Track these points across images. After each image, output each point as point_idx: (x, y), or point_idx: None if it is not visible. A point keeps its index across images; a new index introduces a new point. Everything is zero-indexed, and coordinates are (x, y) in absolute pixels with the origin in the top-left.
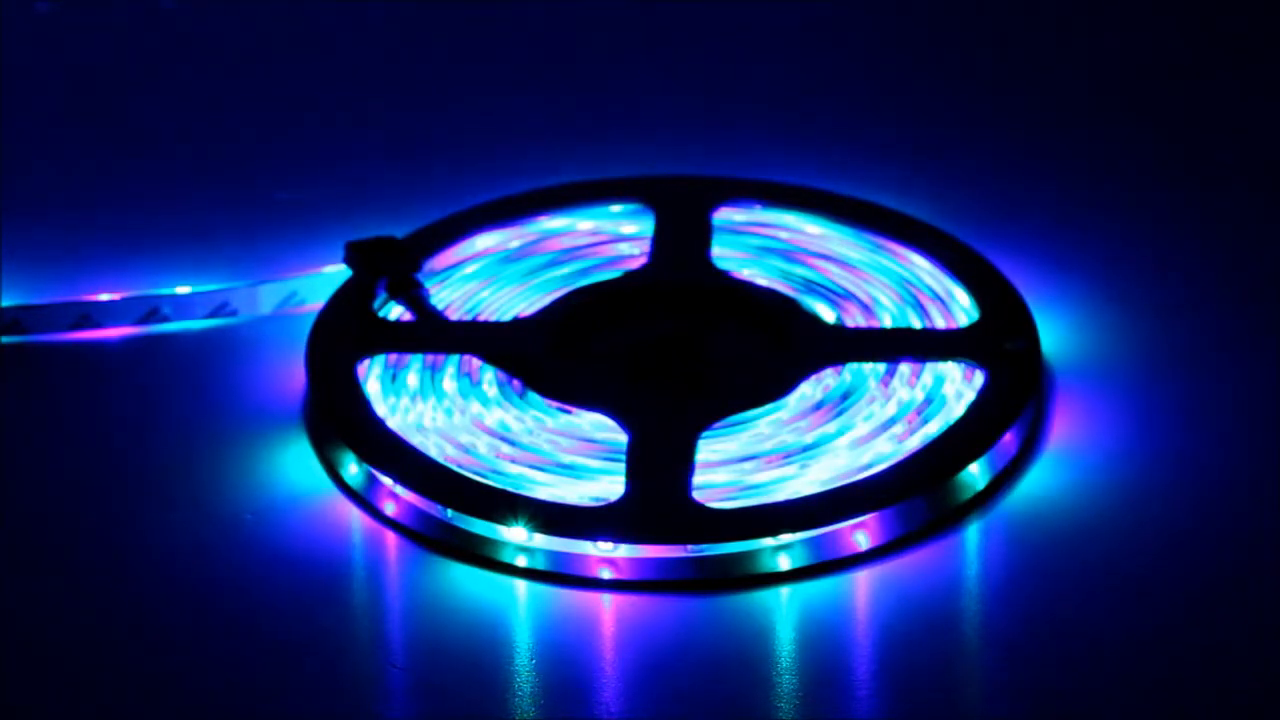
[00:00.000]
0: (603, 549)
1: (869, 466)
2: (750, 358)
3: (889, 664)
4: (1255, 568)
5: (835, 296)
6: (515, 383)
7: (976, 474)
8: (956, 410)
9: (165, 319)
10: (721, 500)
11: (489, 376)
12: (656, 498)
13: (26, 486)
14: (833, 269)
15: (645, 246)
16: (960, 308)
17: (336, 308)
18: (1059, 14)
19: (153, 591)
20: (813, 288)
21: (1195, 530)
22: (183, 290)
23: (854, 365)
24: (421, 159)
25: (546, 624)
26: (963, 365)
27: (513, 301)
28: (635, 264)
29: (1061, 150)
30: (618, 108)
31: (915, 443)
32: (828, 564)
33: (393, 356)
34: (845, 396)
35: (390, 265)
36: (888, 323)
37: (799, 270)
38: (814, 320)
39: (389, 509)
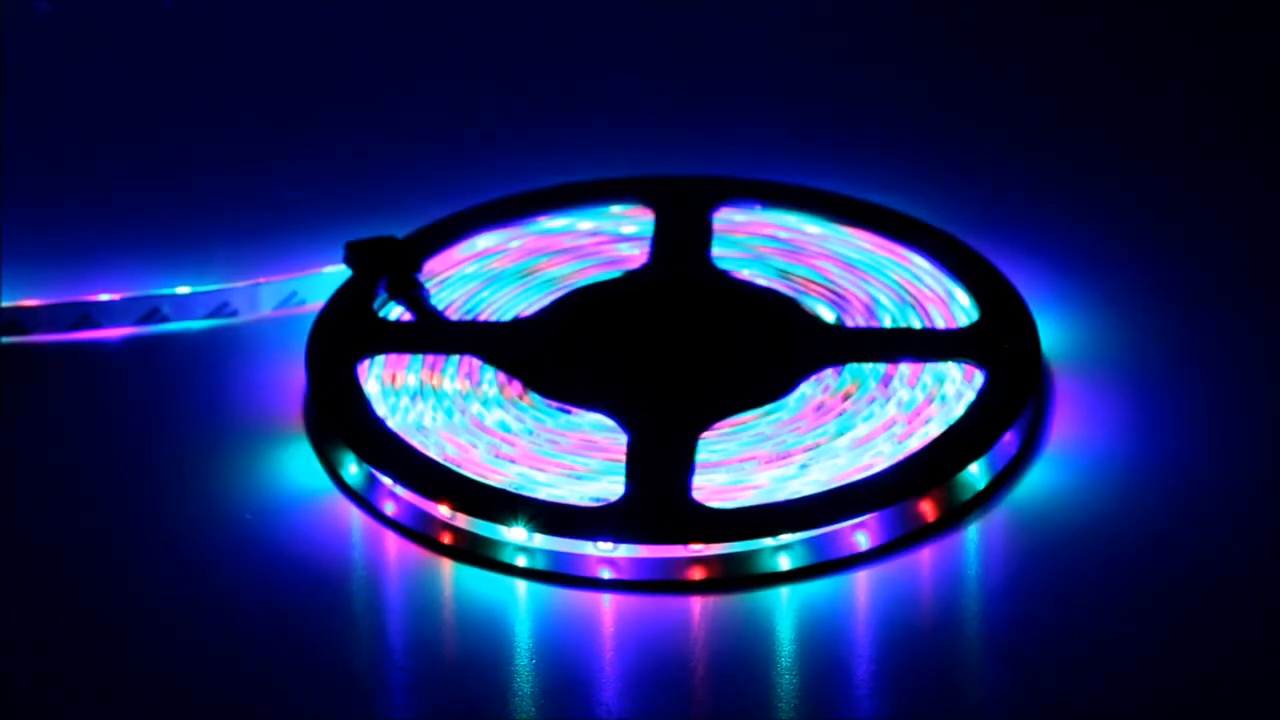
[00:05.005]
0: (603, 549)
1: (869, 467)
2: (750, 358)
3: (889, 664)
4: (1254, 567)
5: (835, 297)
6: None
7: (976, 474)
8: (956, 410)
9: (165, 319)
10: (721, 500)
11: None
12: (656, 498)
13: (26, 486)
14: (833, 269)
15: (645, 246)
16: (960, 308)
17: (336, 308)
18: (1059, 14)
19: (153, 591)
20: (812, 288)
21: (1195, 530)
22: (183, 290)
23: (854, 365)
24: (421, 159)
25: (546, 624)
26: (963, 365)
27: (513, 301)
28: (635, 264)
29: (1062, 150)
30: (618, 108)
31: (915, 443)
32: (828, 564)
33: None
34: (845, 397)
35: (390, 265)
36: (888, 323)
37: (799, 270)
38: (814, 320)
39: (389, 509)
